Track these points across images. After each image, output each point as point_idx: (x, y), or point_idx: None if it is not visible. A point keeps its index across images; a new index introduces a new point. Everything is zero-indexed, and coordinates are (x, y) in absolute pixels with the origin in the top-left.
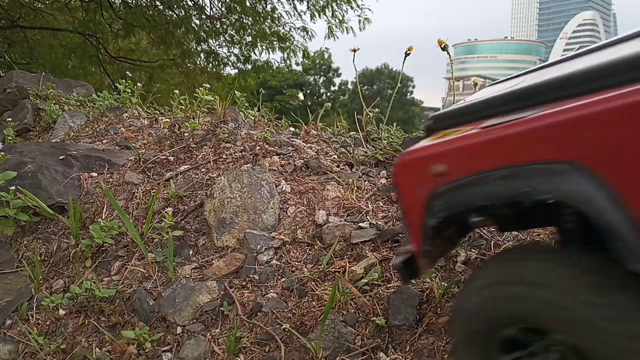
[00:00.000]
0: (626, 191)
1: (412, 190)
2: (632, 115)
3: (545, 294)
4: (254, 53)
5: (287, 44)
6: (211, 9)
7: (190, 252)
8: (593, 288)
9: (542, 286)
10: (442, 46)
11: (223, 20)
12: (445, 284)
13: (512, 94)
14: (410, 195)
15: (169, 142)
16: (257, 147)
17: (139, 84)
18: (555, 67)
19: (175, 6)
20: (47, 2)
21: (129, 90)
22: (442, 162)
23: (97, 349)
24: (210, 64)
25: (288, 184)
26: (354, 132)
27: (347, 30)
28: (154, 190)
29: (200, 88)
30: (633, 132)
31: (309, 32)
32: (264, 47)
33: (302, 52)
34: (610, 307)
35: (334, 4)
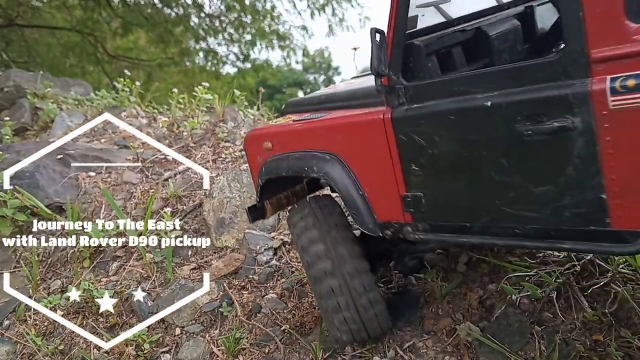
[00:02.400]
0: (359, 177)
1: (254, 157)
2: (353, 131)
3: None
4: (253, 51)
5: (287, 42)
6: (210, 7)
7: (189, 253)
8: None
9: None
10: None
11: (222, 18)
12: (447, 285)
13: (319, 97)
14: (253, 161)
15: (167, 141)
16: None
17: (137, 83)
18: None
19: (173, 4)
20: (45, 0)
21: (128, 89)
22: (270, 141)
23: (95, 350)
24: (209, 63)
25: None
26: None
27: (347, 28)
28: (152, 190)
29: (199, 87)
30: (357, 141)
31: (309, 31)
32: (263, 45)
33: (301, 50)
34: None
35: (334, 2)
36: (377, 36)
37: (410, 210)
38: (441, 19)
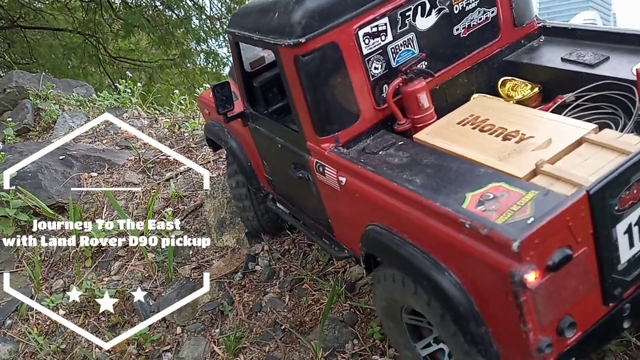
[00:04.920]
0: (247, 153)
1: (205, 116)
2: (238, 123)
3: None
4: None
5: None
6: (211, 9)
7: (190, 252)
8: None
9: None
10: None
11: (223, 20)
12: None
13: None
14: (204, 117)
15: (169, 142)
16: None
17: (138, 84)
18: None
19: (175, 6)
20: (47, 2)
21: (129, 90)
22: (208, 108)
23: (97, 349)
24: (210, 64)
25: None
26: None
27: None
28: (153, 190)
29: (200, 88)
30: (241, 131)
31: None
32: None
33: None
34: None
35: None
36: (216, 89)
37: (271, 186)
38: None
